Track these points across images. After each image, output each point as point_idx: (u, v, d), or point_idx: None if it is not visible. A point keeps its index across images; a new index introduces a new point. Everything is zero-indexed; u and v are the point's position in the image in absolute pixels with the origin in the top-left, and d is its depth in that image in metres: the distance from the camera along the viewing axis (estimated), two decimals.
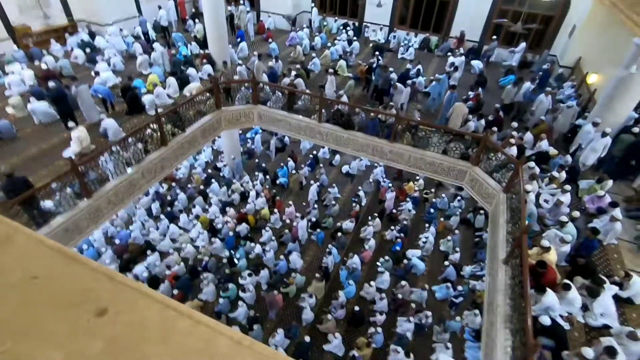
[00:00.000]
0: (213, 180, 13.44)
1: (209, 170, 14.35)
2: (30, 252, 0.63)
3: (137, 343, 0.55)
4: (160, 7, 15.74)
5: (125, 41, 13.75)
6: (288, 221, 12.37)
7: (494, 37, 14.85)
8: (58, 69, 11.55)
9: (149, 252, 10.81)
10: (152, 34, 14.72)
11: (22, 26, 13.29)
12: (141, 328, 0.57)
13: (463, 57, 13.68)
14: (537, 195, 7.82)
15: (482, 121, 9.98)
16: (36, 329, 0.57)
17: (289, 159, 14.42)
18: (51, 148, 8.58)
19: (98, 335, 0.55)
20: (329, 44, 15.15)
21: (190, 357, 0.55)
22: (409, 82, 11.40)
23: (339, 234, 11.58)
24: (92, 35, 14.24)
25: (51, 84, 8.78)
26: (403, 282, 10.17)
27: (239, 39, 14.55)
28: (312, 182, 13.55)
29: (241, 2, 16.69)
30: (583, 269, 6.47)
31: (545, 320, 5.17)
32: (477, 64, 13.82)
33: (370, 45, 15.57)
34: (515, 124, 9.52)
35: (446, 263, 10.81)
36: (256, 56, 11.91)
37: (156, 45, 12.89)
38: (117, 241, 11.35)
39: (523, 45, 14.24)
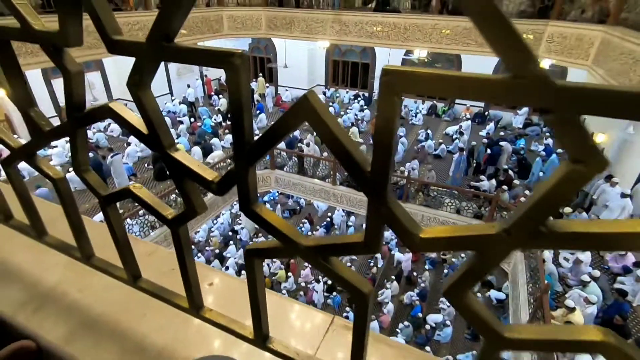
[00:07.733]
0: (231, 242, 13.68)
1: (229, 233, 14.66)
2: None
3: None
4: (189, 86, 17.56)
5: None
6: (303, 284, 12.22)
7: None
8: (94, 142, 12.74)
9: None
10: (182, 108, 16.29)
11: None
12: None
13: (469, 122, 14.38)
14: (557, 254, 7.69)
15: (493, 180, 10.22)
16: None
17: (305, 220, 14.67)
18: (84, 212, 9.16)
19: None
20: (341, 113, 16.25)
21: None
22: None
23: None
24: None
25: (90, 154, 9.66)
26: (427, 349, 9.62)
27: (258, 111, 15.83)
28: None
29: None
30: (616, 331, 6.12)
31: None
32: (490, 128, 14.32)
33: None
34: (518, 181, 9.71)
35: None
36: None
37: (184, 119, 14.18)
38: None
39: (526, 108, 14.92)
